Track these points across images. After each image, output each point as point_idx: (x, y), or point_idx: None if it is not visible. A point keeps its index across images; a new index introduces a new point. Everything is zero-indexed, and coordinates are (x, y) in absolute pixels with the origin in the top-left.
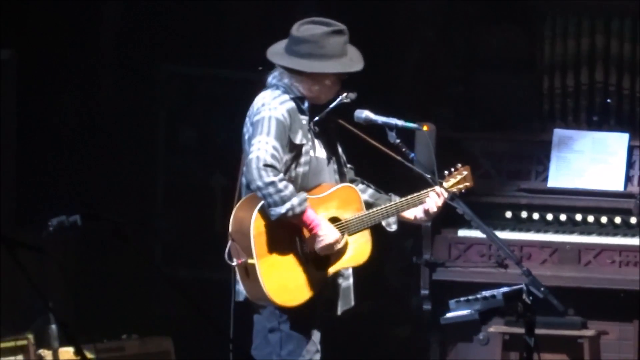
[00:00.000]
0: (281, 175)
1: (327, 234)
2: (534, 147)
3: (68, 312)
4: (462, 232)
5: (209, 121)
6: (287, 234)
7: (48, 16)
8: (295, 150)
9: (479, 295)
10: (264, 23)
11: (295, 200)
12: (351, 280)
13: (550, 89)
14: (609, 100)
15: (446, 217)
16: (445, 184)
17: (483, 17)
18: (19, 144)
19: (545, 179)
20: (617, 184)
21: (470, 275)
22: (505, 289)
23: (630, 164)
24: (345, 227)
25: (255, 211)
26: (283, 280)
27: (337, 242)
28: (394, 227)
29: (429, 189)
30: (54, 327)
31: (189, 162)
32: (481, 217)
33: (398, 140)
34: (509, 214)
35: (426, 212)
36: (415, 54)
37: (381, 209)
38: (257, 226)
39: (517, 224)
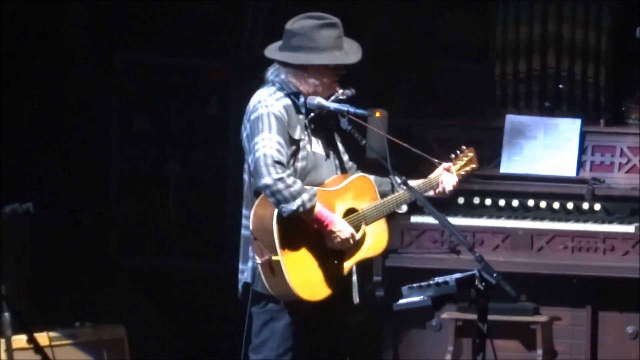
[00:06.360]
0: (289, 171)
1: (342, 230)
2: (487, 133)
3: (21, 300)
4: (415, 218)
5: (163, 109)
6: (309, 228)
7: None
8: (294, 146)
9: (431, 282)
10: (218, 10)
11: (305, 196)
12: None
13: (502, 74)
14: (561, 86)
15: None
16: (453, 167)
17: (437, 4)
18: None
19: (498, 165)
20: (569, 170)
21: (423, 261)
22: (457, 275)
23: (582, 150)
24: (363, 218)
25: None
26: (307, 275)
27: (352, 236)
28: (404, 209)
29: (440, 169)
30: (7, 315)
31: (143, 150)
32: (433, 203)
33: (350, 127)
34: (461, 200)
35: (445, 190)
36: (370, 40)
37: (396, 196)
38: (279, 222)
39: (470, 210)
